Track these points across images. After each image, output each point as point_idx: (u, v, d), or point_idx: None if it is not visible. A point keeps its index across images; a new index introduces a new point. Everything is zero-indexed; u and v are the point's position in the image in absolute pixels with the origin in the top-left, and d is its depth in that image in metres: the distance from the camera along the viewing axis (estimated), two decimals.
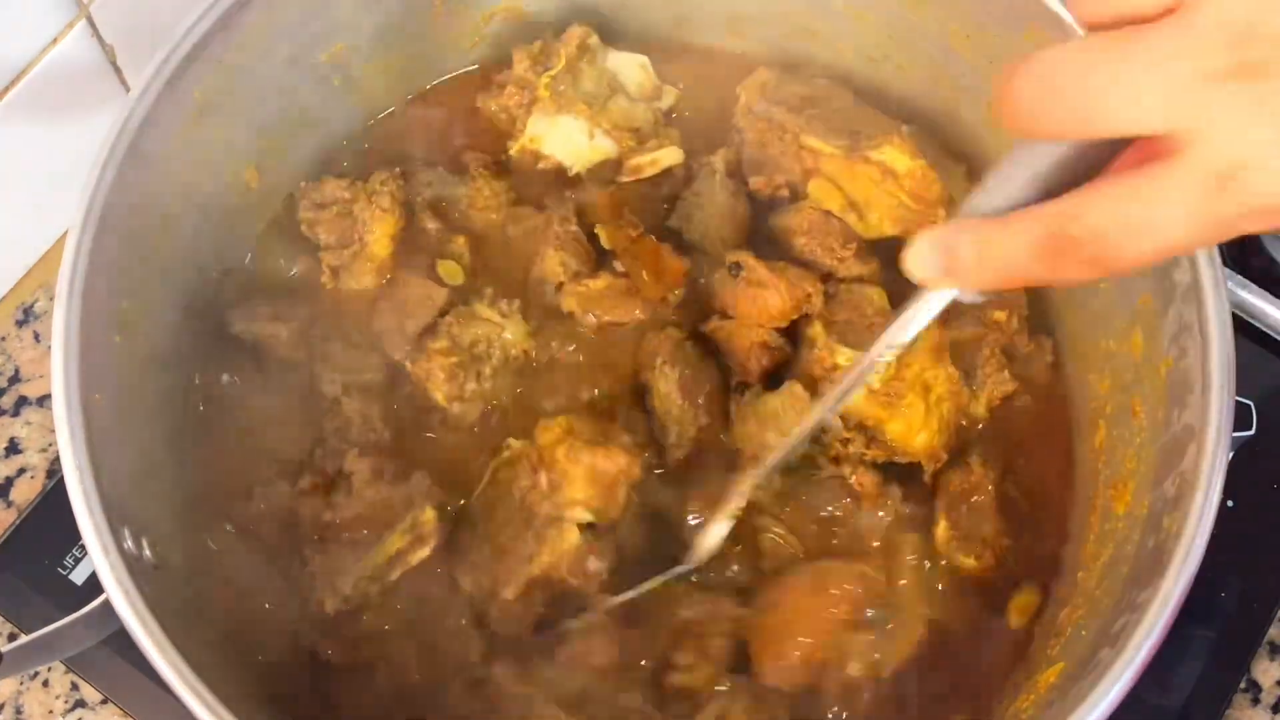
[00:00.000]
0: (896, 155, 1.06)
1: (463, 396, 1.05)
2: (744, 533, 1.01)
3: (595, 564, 0.98)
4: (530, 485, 0.98)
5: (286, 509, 1.01)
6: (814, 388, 1.03)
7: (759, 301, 1.04)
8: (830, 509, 1.01)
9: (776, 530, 1.01)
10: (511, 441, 1.02)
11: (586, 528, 0.98)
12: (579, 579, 0.98)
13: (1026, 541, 1.04)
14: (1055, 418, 1.08)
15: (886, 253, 1.09)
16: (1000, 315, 1.07)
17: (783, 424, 1.00)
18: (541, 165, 1.14)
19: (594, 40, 1.14)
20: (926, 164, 1.06)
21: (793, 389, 1.01)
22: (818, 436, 1.02)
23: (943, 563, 1.02)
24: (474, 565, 0.99)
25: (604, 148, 1.14)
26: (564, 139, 1.13)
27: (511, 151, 1.14)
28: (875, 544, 1.00)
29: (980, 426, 1.07)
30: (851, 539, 1.01)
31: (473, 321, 1.05)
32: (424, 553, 0.99)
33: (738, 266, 1.05)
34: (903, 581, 1.00)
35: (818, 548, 1.01)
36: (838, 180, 1.08)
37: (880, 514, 1.01)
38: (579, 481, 0.98)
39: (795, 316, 1.05)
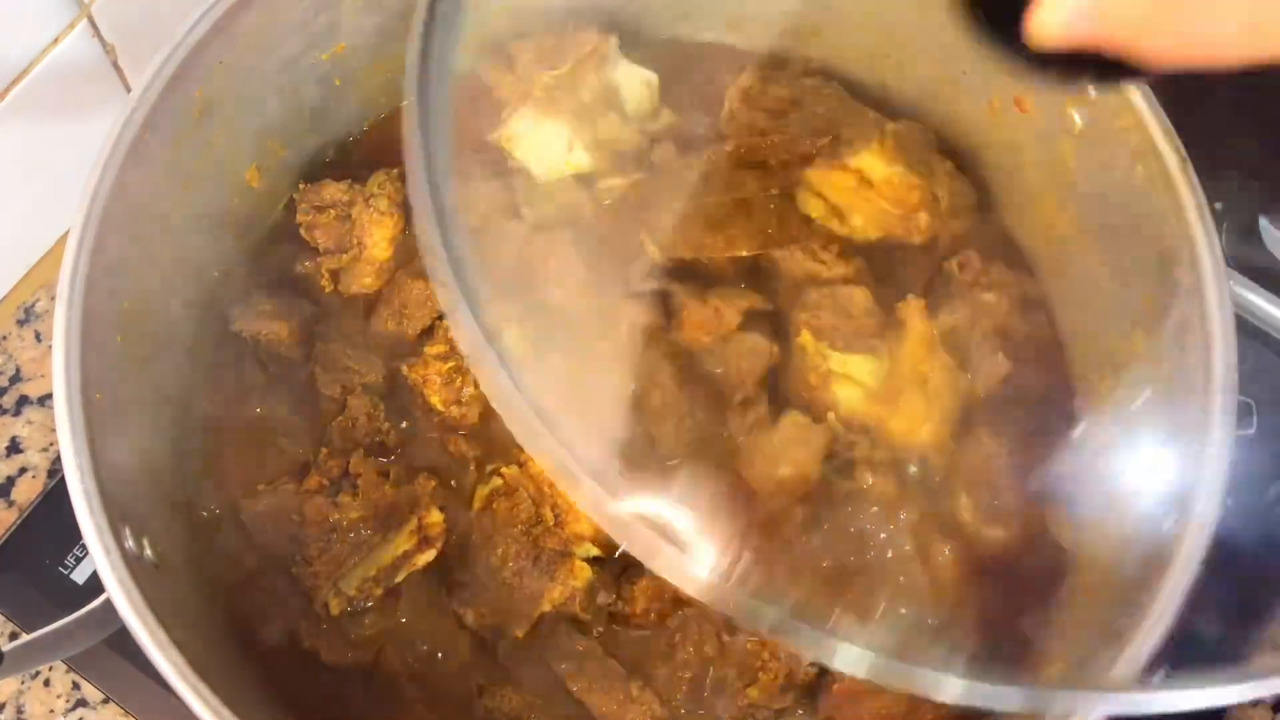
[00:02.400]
0: (874, 162, 1.07)
1: (460, 400, 1.05)
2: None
3: (605, 597, 0.99)
4: (534, 519, 0.99)
5: (291, 508, 1.00)
6: (810, 396, 1.03)
7: (688, 323, 1.07)
8: (858, 523, 1.01)
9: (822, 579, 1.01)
10: (503, 470, 1.02)
11: (593, 561, 0.99)
12: (589, 613, 0.98)
13: None
14: (1056, 412, 1.07)
15: (870, 253, 1.10)
16: (989, 297, 1.08)
17: (792, 455, 1.01)
18: (510, 164, 1.14)
19: (609, 48, 1.14)
20: (905, 169, 1.07)
21: (793, 419, 1.02)
22: (828, 457, 1.02)
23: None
24: (476, 599, 0.98)
25: (579, 163, 1.13)
26: (540, 145, 1.12)
27: (490, 138, 1.14)
28: (908, 548, 1.00)
29: (986, 400, 1.07)
30: (885, 548, 1.00)
31: None
32: (430, 555, 0.99)
33: (668, 294, 1.09)
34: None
35: (857, 566, 1.01)
36: (818, 188, 1.09)
37: (903, 515, 1.01)
38: (584, 517, 0.99)
39: (722, 334, 1.06)
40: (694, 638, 0.98)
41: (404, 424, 1.06)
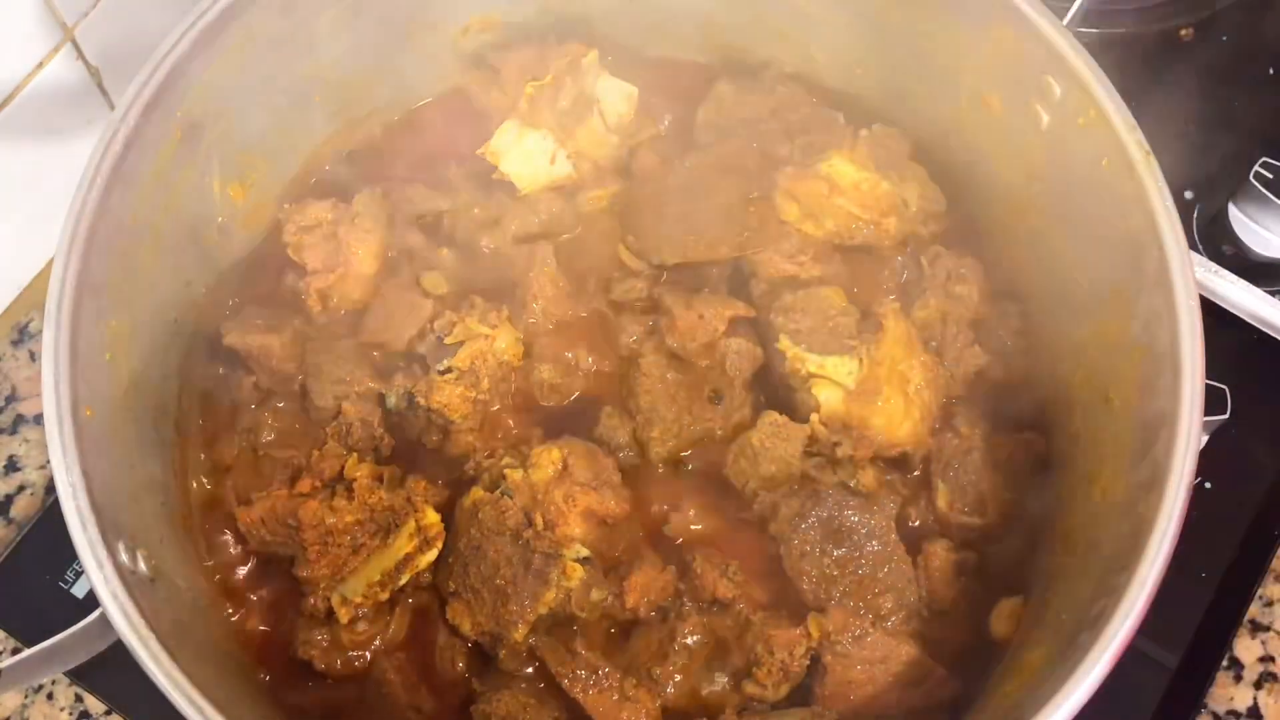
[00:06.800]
0: (843, 167, 1.09)
1: (470, 412, 1.07)
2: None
3: (598, 594, 1.00)
4: (523, 524, 1.00)
5: (286, 513, 1.01)
6: (792, 400, 1.05)
7: (674, 330, 1.08)
8: (843, 515, 1.02)
9: (810, 573, 1.02)
10: (507, 473, 1.02)
11: (584, 561, 1.00)
12: (585, 610, 1.00)
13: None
14: (1029, 401, 1.09)
15: (846, 254, 1.12)
16: (962, 289, 1.09)
17: (774, 453, 1.03)
18: (494, 176, 1.15)
19: (589, 60, 1.15)
20: (874, 174, 1.09)
21: (771, 418, 1.03)
22: (810, 454, 1.04)
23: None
24: (471, 607, 1.00)
25: (561, 173, 1.15)
26: (524, 157, 1.14)
27: (478, 151, 1.15)
28: (894, 538, 1.01)
29: (960, 392, 1.09)
30: (869, 540, 1.02)
31: (469, 340, 1.06)
32: (431, 555, 1.00)
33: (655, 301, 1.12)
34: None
35: (846, 560, 1.02)
36: (793, 193, 1.10)
37: (890, 505, 1.03)
38: (575, 522, 1.00)
39: (708, 339, 1.07)
40: (689, 632, 0.99)
41: (399, 428, 1.08)
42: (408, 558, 1.00)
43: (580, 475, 1.02)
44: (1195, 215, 1.31)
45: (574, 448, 1.03)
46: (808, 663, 0.99)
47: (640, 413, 1.07)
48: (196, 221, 1.06)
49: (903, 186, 1.10)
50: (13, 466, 1.26)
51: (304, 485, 1.03)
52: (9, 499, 1.24)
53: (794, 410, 1.05)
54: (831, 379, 1.03)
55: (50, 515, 1.21)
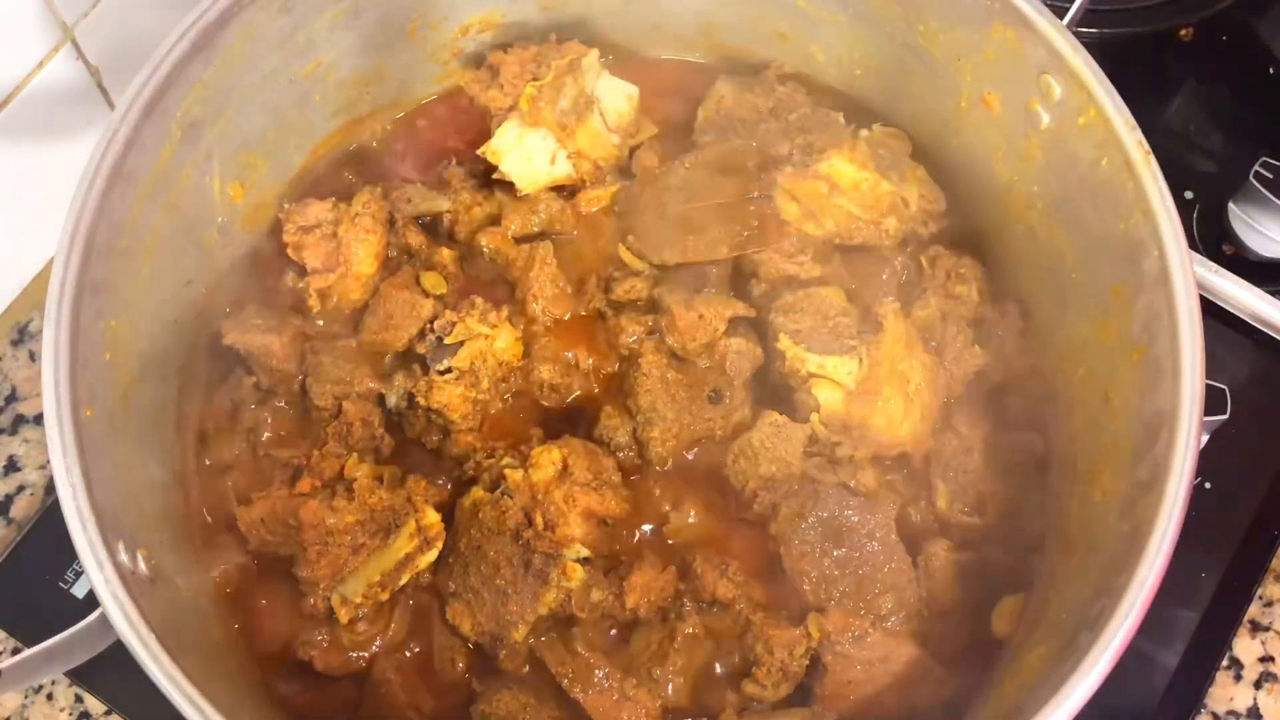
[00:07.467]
0: (843, 167, 1.09)
1: (470, 412, 1.07)
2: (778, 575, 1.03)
3: (598, 594, 1.00)
4: (523, 524, 1.00)
5: (286, 512, 1.02)
6: (792, 400, 1.05)
7: (674, 330, 1.08)
8: (843, 515, 1.02)
9: (810, 573, 1.02)
10: (507, 473, 1.02)
11: (584, 561, 1.00)
12: (585, 610, 1.00)
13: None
14: (1030, 401, 1.09)
15: (846, 254, 1.12)
16: (961, 289, 1.10)
17: (774, 453, 1.03)
18: (494, 176, 1.15)
19: (590, 60, 1.15)
20: (874, 175, 1.10)
21: (771, 418, 1.04)
22: (810, 454, 1.04)
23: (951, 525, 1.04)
24: (471, 607, 1.00)
25: (562, 173, 1.15)
26: (524, 157, 1.14)
27: (479, 150, 1.15)
28: (894, 538, 1.01)
29: (960, 392, 1.09)
30: (868, 540, 1.02)
31: (469, 340, 1.06)
32: (431, 555, 1.00)
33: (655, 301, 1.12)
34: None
35: (846, 560, 1.02)
36: (793, 193, 1.11)
37: (890, 505, 1.03)
38: (575, 522, 1.00)
39: (708, 339, 1.08)
40: (689, 633, 1.00)
41: (399, 428, 1.08)
42: (408, 558, 1.00)
43: (580, 475, 1.02)
44: (1195, 215, 1.32)
45: (574, 448, 1.03)
46: (808, 663, 0.99)
47: (640, 412, 1.07)
48: (196, 221, 1.06)
49: (903, 186, 1.11)
50: (13, 466, 1.26)
51: (304, 485, 1.03)
52: (9, 499, 1.24)
53: (794, 410, 1.05)
54: (831, 379, 1.03)
55: (50, 515, 1.21)
